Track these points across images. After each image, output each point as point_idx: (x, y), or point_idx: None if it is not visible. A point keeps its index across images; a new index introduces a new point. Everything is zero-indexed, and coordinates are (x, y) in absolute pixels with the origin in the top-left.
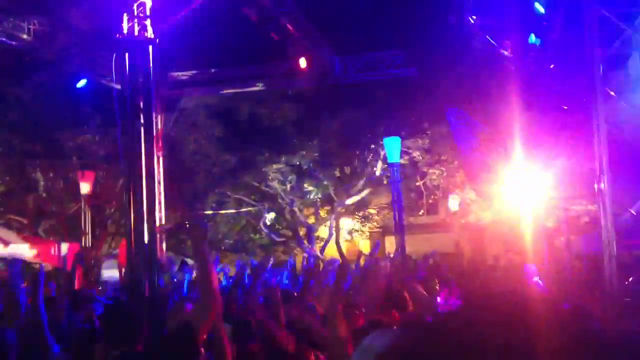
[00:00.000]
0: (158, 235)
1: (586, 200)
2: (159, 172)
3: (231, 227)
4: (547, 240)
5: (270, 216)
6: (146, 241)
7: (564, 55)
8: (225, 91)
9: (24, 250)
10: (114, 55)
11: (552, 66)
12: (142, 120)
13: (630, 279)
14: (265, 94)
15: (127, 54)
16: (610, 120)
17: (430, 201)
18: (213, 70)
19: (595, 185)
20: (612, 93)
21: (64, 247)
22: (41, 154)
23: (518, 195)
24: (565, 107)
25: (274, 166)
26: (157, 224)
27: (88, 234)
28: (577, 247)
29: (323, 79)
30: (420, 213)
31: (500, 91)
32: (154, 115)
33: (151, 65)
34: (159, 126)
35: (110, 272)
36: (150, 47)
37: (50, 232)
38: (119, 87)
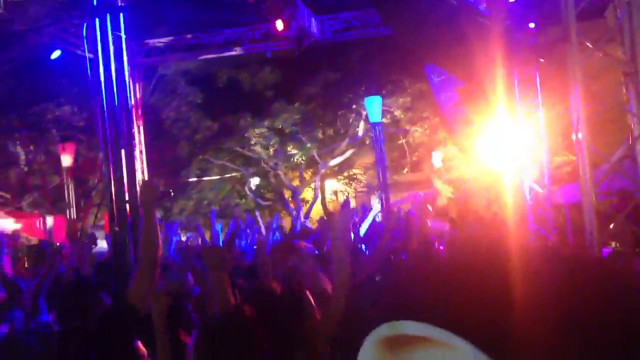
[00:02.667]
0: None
1: (567, 151)
2: (140, 140)
3: (216, 193)
4: (529, 192)
5: (254, 181)
6: (129, 210)
7: (540, 7)
8: (202, 57)
9: (8, 224)
10: (85, 24)
11: (532, 25)
12: (115, 89)
13: (611, 226)
14: (244, 58)
15: (97, 22)
16: (586, 71)
17: (414, 159)
18: (189, 36)
19: (573, 136)
20: (589, 44)
21: (49, 221)
22: (20, 128)
23: (500, 148)
24: (542, 60)
25: (257, 130)
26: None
27: (72, 206)
28: (558, 198)
29: (301, 41)
30: (405, 171)
31: (478, 46)
32: (128, 84)
33: (123, 32)
34: (138, 95)
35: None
36: (122, 14)
37: (34, 206)
38: (92, 56)
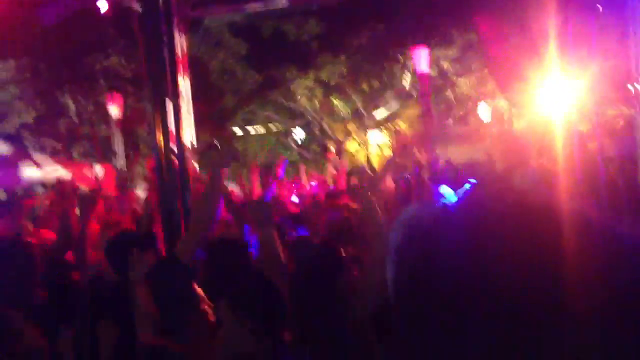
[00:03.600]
0: (189, 155)
1: (621, 104)
2: (186, 92)
3: (261, 146)
4: (580, 145)
5: (299, 133)
6: (175, 161)
7: None
8: (248, 9)
9: (59, 173)
10: None
11: None
12: (165, 41)
13: None
14: (289, 9)
15: None
16: None
17: (461, 112)
18: None
19: (630, 87)
20: None
21: (99, 170)
22: (69, 79)
23: (551, 101)
24: (600, 7)
25: (301, 83)
26: (188, 144)
27: (121, 156)
28: (610, 151)
29: None
30: (451, 124)
31: None
32: (176, 35)
33: None
34: (184, 47)
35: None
36: None
37: (84, 156)
38: (139, 8)
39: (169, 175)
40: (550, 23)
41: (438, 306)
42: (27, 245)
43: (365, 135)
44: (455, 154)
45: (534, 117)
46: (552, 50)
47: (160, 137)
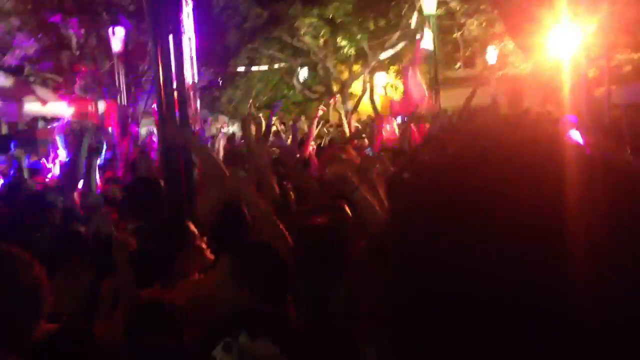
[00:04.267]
0: (191, 92)
1: (630, 49)
2: (189, 27)
3: (265, 84)
4: (587, 90)
5: (303, 72)
6: (176, 97)
7: None
8: None
9: (62, 108)
10: None
11: None
12: None
13: None
14: None
15: None
16: None
17: (468, 54)
18: None
19: None
20: None
21: (101, 106)
22: (72, 10)
23: (559, 44)
24: None
25: (306, 20)
26: (190, 81)
27: (123, 91)
28: (618, 97)
29: None
30: (457, 66)
31: None
32: None
33: None
34: None
35: (149, 129)
36: None
37: (86, 91)
38: None
39: (169, 112)
40: None
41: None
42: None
43: (370, 75)
44: (461, 97)
45: (541, 61)
46: None
47: (161, 74)
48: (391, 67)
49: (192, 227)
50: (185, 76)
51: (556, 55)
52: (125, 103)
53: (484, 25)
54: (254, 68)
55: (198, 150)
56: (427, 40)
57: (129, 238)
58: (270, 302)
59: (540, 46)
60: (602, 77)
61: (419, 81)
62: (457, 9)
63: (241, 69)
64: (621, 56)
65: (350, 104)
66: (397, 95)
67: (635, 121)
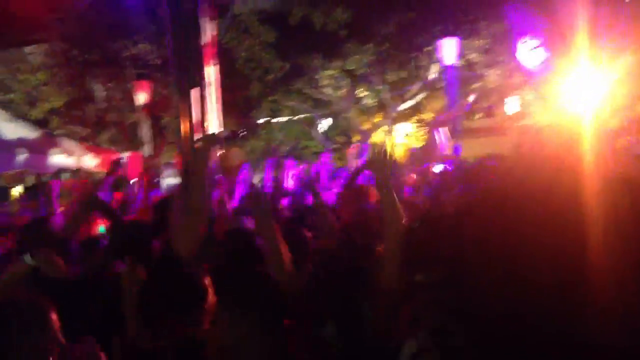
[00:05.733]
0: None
1: None
2: (216, 78)
3: (286, 135)
4: (609, 141)
5: (325, 123)
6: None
7: None
8: None
9: (87, 160)
10: None
11: None
12: (192, 27)
13: None
14: None
15: None
16: None
17: (487, 104)
18: None
19: None
20: None
21: (126, 157)
22: (100, 64)
23: (581, 94)
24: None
25: (327, 72)
26: (216, 131)
27: (148, 143)
28: (638, 148)
29: None
30: (477, 117)
31: None
32: (205, 22)
33: None
34: (214, 33)
35: (172, 180)
36: None
37: (112, 143)
38: None
39: (194, 162)
40: (581, 14)
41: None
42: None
43: (391, 125)
44: (481, 147)
45: (561, 111)
46: (582, 41)
47: (185, 126)
48: (412, 117)
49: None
50: (208, 127)
51: (577, 105)
52: (151, 154)
53: (503, 75)
54: (275, 119)
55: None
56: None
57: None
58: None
59: (560, 95)
60: (623, 128)
61: (444, 141)
62: (477, 60)
63: (263, 119)
64: None
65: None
66: (418, 144)
67: None
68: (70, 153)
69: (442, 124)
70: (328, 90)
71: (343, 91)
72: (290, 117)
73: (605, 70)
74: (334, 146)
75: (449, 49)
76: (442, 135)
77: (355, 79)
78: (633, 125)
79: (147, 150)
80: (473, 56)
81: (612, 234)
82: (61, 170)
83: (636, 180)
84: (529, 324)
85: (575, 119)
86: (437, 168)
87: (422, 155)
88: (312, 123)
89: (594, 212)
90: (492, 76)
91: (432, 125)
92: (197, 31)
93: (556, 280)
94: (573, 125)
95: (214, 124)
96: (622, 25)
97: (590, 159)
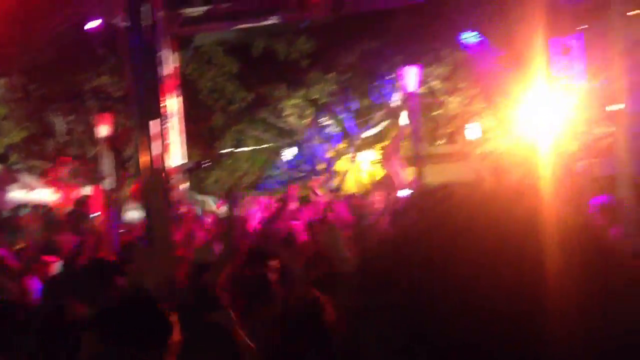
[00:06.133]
0: (180, 175)
1: (607, 123)
2: (179, 110)
3: (251, 164)
4: (567, 164)
5: (290, 152)
6: (159, 180)
7: None
8: (237, 26)
9: (47, 195)
10: None
11: None
12: (151, 59)
13: None
14: (280, 27)
15: None
16: (630, 37)
17: (449, 130)
18: (225, 5)
19: (613, 107)
20: (632, 12)
21: (87, 191)
22: (59, 98)
23: (538, 119)
24: (585, 27)
25: (291, 101)
26: (180, 163)
27: (109, 176)
28: (596, 171)
29: (338, 9)
30: (439, 143)
31: (517, 11)
32: (166, 53)
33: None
34: (176, 64)
35: (133, 213)
36: None
37: (73, 177)
38: (126, 24)
39: (154, 196)
40: (537, 42)
41: None
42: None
43: (355, 153)
44: (443, 172)
45: (521, 136)
46: (539, 69)
47: (145, 159)
48: (376, 145)
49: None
50: (169, 160)
51: (535, 130)
52: (112, 188)
53: (464, 102)
54: (240, 149)
55: None
56: (405, 119)
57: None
58: None
59: (519, 121)
60: (581, 151)
61: (398, 170)
62: (438, 87)
63: (227, 150)
64: (600, 130)
65: (336, 182)
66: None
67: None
68: (30, 188)
69: (392, 153)
70: (292, 120)
71: (307, 120)
72: (255, 146)
73: (563, 96)
74: (300, 175)
75: (410, 77)
76: (395, 165)
77: (319, 107)
78: (590, 148)
79: (108, 183)
80: (435, 83)
81: (569, 262)
82: (21, 205)
83: (590, 225)
84: (487, 352)
85: (534, 144)
86: (402, 193)
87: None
88: (277, 152)
89: (551, 241)
90: (454, 103)
91: (384, 159)
92: (158, 63)
93: (512, 309)
94: (531, 151)
95: (178, 156)
96: (578, 52)
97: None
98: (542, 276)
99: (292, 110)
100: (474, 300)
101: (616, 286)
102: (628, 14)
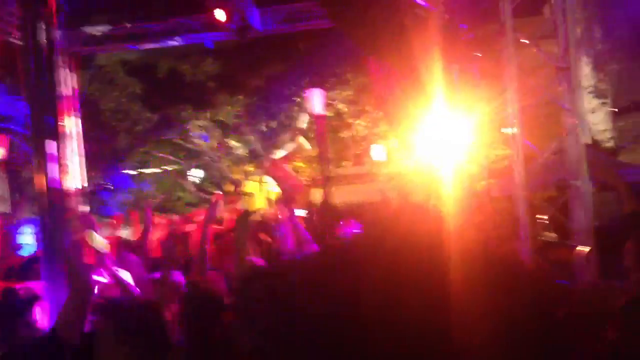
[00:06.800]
0: (80, 198)
1: (506, 145)
2: (77, 132)
3: (157, 186)
4: (469, 185)
5: (197, 174)
6: (58, 204)
7: (478, 2)
8: (141, 46)
9: None
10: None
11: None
12: (47, 78)
13: (545, 217)
14: (185, 48)
15: (31, 9)
16: (523, 66)
17: (357, 152)
18: (129, 26)
19: (509, 130)
20: (525, 39)
21: None
22: None
23: (440, 142)
24: (479, 54)
25: (198, 123)
26: (80, 185)
27: (5, 200)
28: (495, 191)
29: (243, 32)
30: (346, 164)
31: (416, 39)
32: (64, 72)
33: (55, 18)
34: (75, 85)
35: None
36: (57, 1)
37: None
38: (21, 43)
39: (50, 219)
40: (436, 66)
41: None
42: None
43: (262, 175)
44: (350, 193)
45: (424, 158)
46: (438, 94)
47: (41, 181)
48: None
49: None
50: (68, 182)
51: (438, 152)
52: (9, 211)
53: (370, 125)
54: (146, 170)
55: None
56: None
57: None
58: None
59: (422, 144)
60: (482, 172)
61: (289, 173)
62: (345, 110)
63: (132, 171)
64: (497, 152)
65: (245, 204)
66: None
67: (511, 212)
68: None
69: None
70: (199, 141)
71: (214, 141)
72: (162, 168)
73: (463, 119)
74: (207, 197)
75: (316, 99)
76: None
77: (227, 129)
78: (489, 170)
79: (3, 207)
80: (341, 106)
81: (469, 272)
82: None
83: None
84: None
85: (436, 166)
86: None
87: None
88: (184, 174)
89: (454, 255)
90: (360, 125)
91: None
92: (55, 83)
93: (420, 313)
94: (434, 173)
95: (77, 178)
96: (477, 78)
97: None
98: (445, 283)
99: (199, 131)
100: (388, 308)
101: (513, 291)
102: (521, 40)
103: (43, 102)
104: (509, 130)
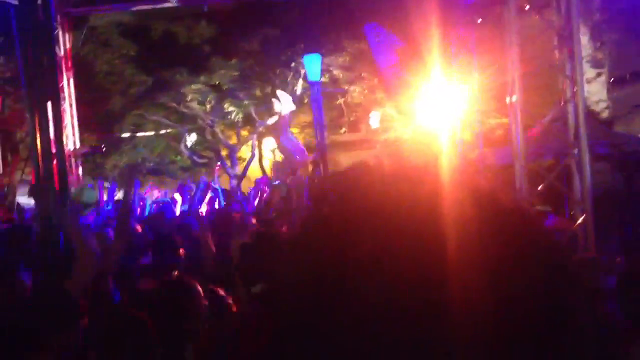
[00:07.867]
0: (73, 160)
1: (500, 114)
2: (69, 93)
3: (151, 150)
4: (463, 153)
5: (191, 138)
6: (55, 165)
7: None
8: (135, 8)
9: None
10: None
11: None
12: (44, 38)
13: (540, 186)
14: (180, 11)
15: None
16: (522, 33)
17: (352, 119)
18: None
19: (508, 99)
20: (526, 7)
21: None
22: None
23: (436, 110)
24: (479, 20)
25: (193, 86)
26: (72, 147)
27: None
28: (490, 160)
29: None
30: (342, 131)
31: (417, 5)
32: (57, 34)
33: None
34: (67, 46)
35: (27, 199)
36: None
37: None
38: (16, 2)
39: (47, 181)
40: (434, 32)
41: None
42: None
43: (257, 140)
44: (347, 159)
45: (420, 126)
46: (435, 61)
47: (39, 142)
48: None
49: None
50: (65, 144)
51: (433, 120)
52: (1, 172)
53: (366, 91)
54: (140, 134)
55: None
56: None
57: None
58: None
59: (418, 111)
60: (476, 141)
61: (295, 141)
62: (340, 76)
63: (126, 134)
64: (492, 121)
65: (239, 169)
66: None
67: (506, 181)
68: None
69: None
70: (194, 105)
71: (209, 106)
72: (156, 131)
73: (459, 87)
74: (202, 161)
75: (313, 65)
76: (288, 140)
77: (221, 93)
78: (484, 138)
79: None
80: (336, 72)
81: (465, 242)
82: None
83: (482, 191)
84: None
85: (432, 133)
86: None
87: (283, 166)
88: (178, 138)
89: (448, 221)
90: (356, 92)
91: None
92: (50, 43)
93: (418, 283)
94: (430, 139)
95: (70, 140)
96: (471, 46)
97: (445, 170)
98: (445, 249)
99: (193, 95)
100: (383, 278)
101: (518, 248)
102: (526, 8)
103: (40, 63)
104: (507, 99)
